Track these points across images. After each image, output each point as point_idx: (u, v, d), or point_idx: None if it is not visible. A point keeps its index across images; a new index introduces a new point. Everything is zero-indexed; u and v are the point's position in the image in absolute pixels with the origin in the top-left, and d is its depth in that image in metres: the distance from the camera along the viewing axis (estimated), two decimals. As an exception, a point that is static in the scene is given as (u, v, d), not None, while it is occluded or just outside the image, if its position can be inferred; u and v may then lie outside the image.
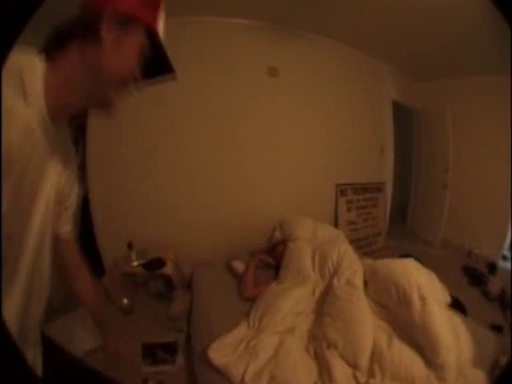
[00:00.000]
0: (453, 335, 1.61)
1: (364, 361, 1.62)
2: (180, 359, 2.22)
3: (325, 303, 2.06)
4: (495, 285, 2.95)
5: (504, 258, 3.67)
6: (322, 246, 2.58)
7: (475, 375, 1.52)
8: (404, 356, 1.58)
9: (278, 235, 3.05)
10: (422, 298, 1.74)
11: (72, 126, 3.17)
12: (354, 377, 1.59)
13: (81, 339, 2.23)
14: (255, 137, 3.41)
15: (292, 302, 2.12)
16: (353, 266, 2.22)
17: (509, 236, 3.78)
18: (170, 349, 2.26)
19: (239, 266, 2.70)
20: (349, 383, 1.54)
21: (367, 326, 1.79)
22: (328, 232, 3.01)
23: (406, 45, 3.54)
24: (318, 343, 1.81)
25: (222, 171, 3.32)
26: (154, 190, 3.16)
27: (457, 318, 1.78)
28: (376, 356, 1.61)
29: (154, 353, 2.22)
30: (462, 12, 2.61)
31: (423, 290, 1.78)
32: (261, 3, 2.85)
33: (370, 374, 1.58)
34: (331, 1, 2.68)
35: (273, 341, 1.80)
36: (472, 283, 3.16)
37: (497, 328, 2.16)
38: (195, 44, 3.07)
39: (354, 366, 1.62)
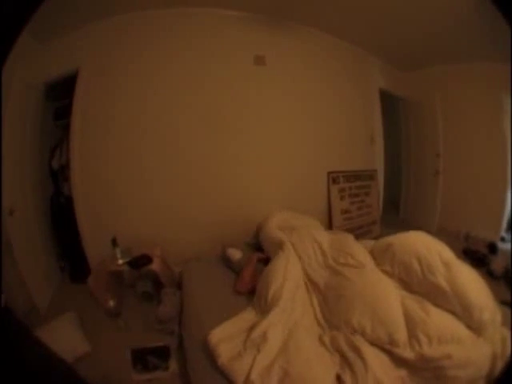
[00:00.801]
0: (485, 292, 1.58)
1: (401, 334, 1.52)
2: (173, 364, 2.04)
3: (331, 284, 1.94)
4: (498, 264, 2.89)
5: (502, 239, 3.59)
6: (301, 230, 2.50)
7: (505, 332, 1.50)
8: (445, 318, 1.54)
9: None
10: (446, 263, 1.70)
11: (56, 125, 2.99)
12: (392, 361, 1.48)
13: (69, 345, 2.11)
14: (243, 127, 3.30)
15: (280, 270, 2.03)
16: (348, 246, 2.12)
17: (505, 217, 3.71)
18: (162, 354, 2.07)
19: (234, 253, 2.59)
20: (384, 371, 1.41)
21: (392, 297, 1.69)
22: (304, 221, 2.93)
23: (394, 34, 3.49)
24: (340, 331, 1.67)
25: (209, 164, 3.20)
26: (140, 188, 3.05)
27: None
28: (418, 324, 1.53)
29: (145, 359, 2.03)
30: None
31: (444, 255, 1.74)
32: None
33: (416, 343, 1.49)
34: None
35: (281, 332, 1.65)
36: (475, 265, 3.04)
37: (507, 304, 2.06)
38: (182, 34, 3.01)
39: (391, 344, 1.51)
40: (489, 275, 2.85)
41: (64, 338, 2.13)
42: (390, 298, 1.68)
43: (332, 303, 1.85)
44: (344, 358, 1.50)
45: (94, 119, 2.88)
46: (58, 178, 3.21)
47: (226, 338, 1.65)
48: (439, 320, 1.52)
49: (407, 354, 1.46)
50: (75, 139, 2.85)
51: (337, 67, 3.83)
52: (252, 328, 1.69)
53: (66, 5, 2.34)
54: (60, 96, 3.10)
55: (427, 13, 2.84)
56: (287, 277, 1.98)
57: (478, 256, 3.19)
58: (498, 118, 3.67)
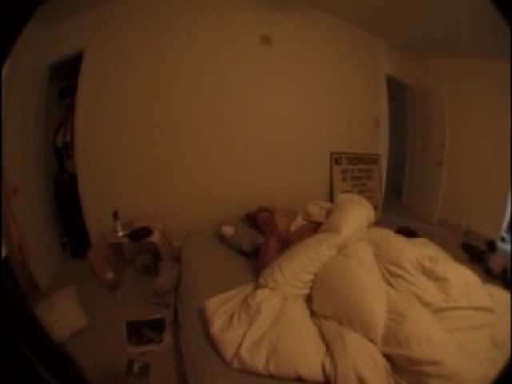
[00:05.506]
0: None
1: (378, 336, 1.38)
2: (167, 338, 2.01)
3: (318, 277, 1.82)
4: (496, 262, 2.81)
5: (502, 239, 3.49)
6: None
7: None
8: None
9: None
10: None
11: (61, 105, 2.89)
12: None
13: (67, 319, 2.08)
14: (248, 106, 3.22)
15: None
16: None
17: (506, 217, 3.58)
18: (157, 326, 2.06)
19: (227, 229, 2.54)
20: (369, 362, 1.27)
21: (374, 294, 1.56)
22: None
23: (402, 22, 3.37)
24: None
25: (213, 140, 3.14)
26: (142, 164, 3.00)
27: None
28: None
29: (140, 332, 2.01)
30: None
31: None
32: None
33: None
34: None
35: (275, 304, 1.58)
36: (472, 260, 3.00)
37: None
38: (189, 12, 2.93)
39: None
40: (486, 273, 2.77)
41: (62, 312, 2.09)
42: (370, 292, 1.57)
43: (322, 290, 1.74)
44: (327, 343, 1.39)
45: (98, 98, 2.81)
46: (62, 155, 3.15)
47: (221, 308, 1.61)
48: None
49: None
50: (80, 116, 2.79)
51: (343, 50, 3.71)
52: (246, 299, 1.63)
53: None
54: (65, 76, 3.03)
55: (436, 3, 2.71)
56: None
57: (476, 251, 3.12)
58: (505, 113, 3.45)
